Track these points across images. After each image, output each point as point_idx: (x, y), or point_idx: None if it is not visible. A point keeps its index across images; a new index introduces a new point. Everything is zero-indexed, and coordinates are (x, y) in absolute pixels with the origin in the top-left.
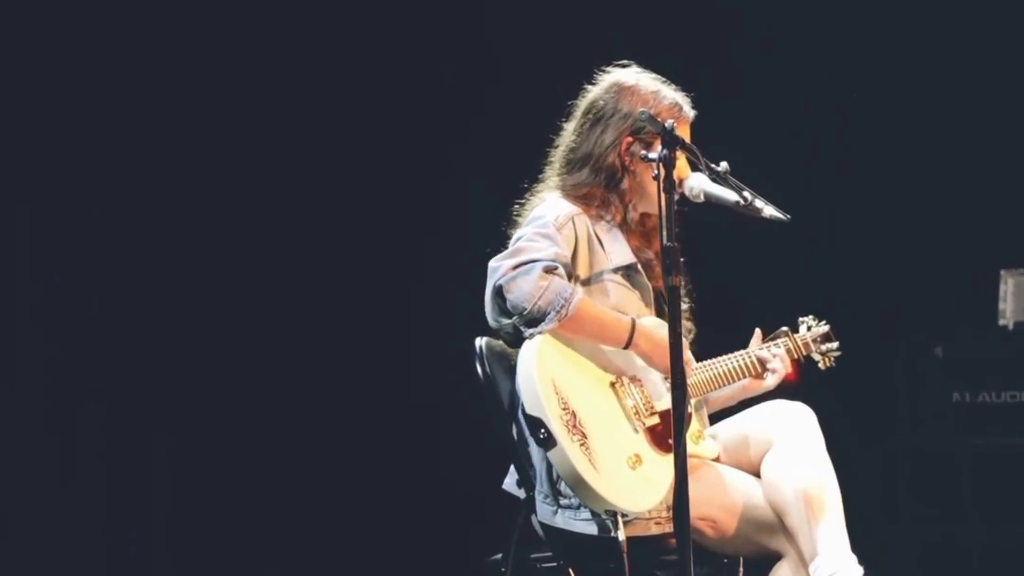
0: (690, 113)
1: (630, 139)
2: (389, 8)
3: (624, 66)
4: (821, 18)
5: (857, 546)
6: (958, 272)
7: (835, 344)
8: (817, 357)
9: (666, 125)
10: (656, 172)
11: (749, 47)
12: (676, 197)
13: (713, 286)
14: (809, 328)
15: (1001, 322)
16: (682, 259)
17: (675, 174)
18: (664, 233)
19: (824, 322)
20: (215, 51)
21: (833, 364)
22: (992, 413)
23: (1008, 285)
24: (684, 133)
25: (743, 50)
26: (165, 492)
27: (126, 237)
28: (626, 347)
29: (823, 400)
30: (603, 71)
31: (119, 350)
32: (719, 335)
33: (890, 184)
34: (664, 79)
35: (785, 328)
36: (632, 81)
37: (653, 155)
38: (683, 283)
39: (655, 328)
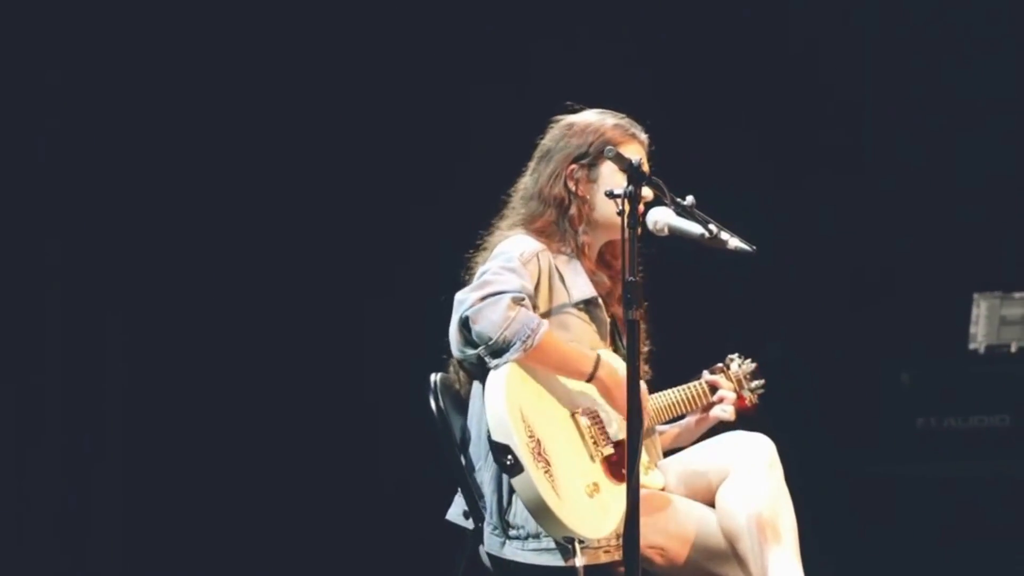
0: (641, 135)
1: (573, 165)
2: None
3: (575, 110)
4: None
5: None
6: (929, 297)
7: (762, 381)
8: (746, 394)
9: (633, 161)
10: (620, 208)
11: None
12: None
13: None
14: (739, 365)
15: (972, 346)
16: (645, 300)
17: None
18: (626, 268)
19: (751, 359)
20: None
21: (757, 401)
22: (958, 438)
23: (981, 308)
24: (638, 152)
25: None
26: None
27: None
28: (588, 380)
29: (786, 425)
30: (555, 119)
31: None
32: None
33: (860, 207)
34: (609, 111)
35: (720, 365)
36: (574, 117)
37: (618, 191)
38: (643, 320)
39: (619, 367)
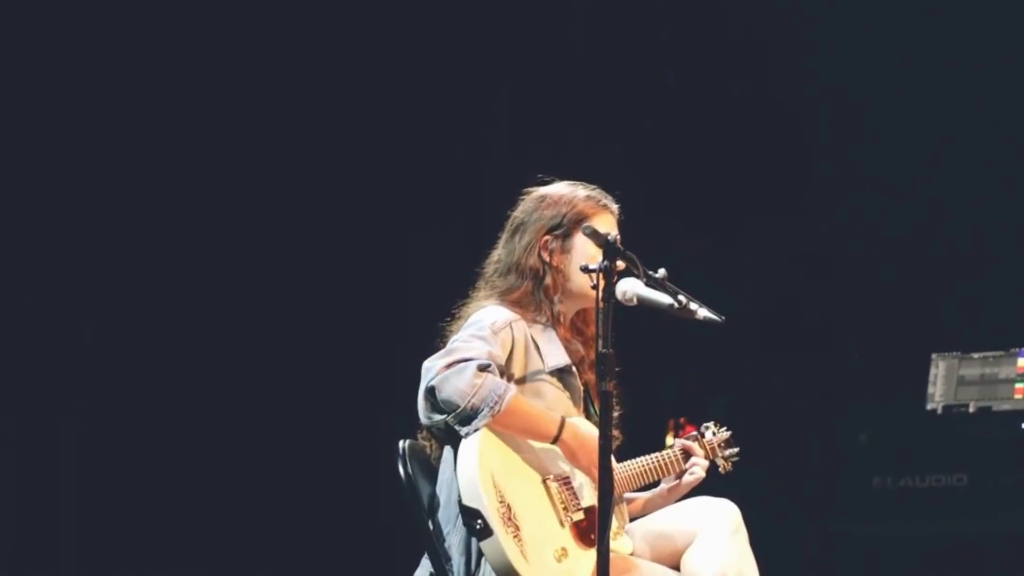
0: (612, 205)
1: (547, 237)
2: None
3: (546, 182)
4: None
5: None
6: (889, 356)
7: (736, 449)
8: (720, 462)
9: (609, 237)
10: (595, 282)
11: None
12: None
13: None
14: (714, 434)
15: (929, 406)
16: (616, 368)
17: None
18: (600, 340)
19: (726, 428)
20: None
21: (731, 468)
22: (915, 497)
23: (939, 368)
24: (609, 222)
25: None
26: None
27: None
28: (553, 442)
29: (746, 484)
30: (526, 192)
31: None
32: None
33: (818, 265)
34: (580, 182)
35: (694, 433)
36: (545, 190)
37: (593, 266)
38: (615, 389)
39: (583, 428)
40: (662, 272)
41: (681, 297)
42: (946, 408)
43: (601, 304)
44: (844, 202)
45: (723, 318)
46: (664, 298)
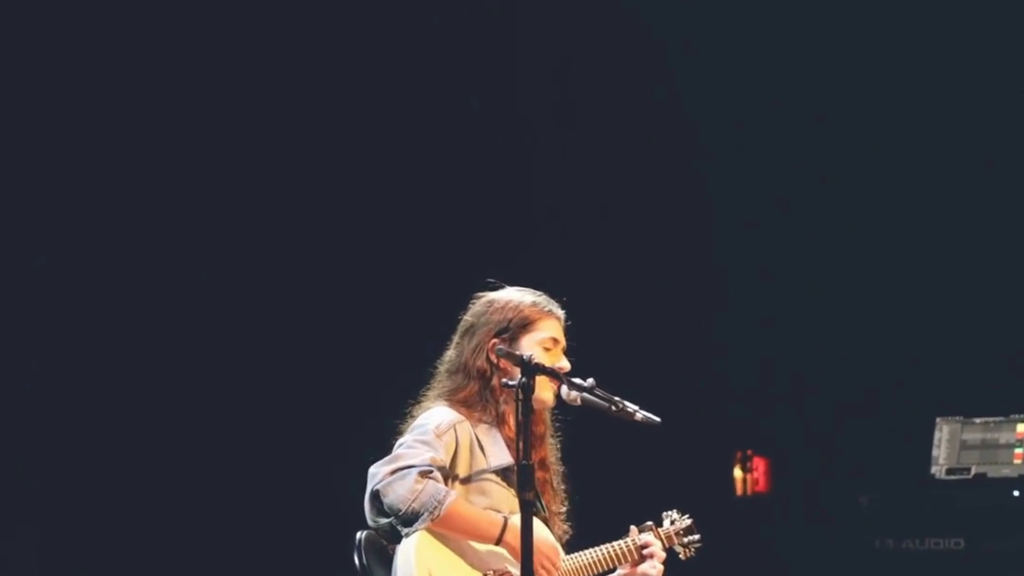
0: (557, 311)
1: (495, 340)
2: None
3: (496, 287)
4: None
5: None
6: (894, 420)
7: (697, 536)
8: (679, 549)
9: (524, 356)
10: (517, 396)
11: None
12: (552, 404)
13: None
14: (672, 522)
15: (933, 469)
16: (563, 469)
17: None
18: (520, 452)
19: (687, 516)
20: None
21: (693, 554)
22: (914, 560)
23: (943, 432)
24: (554, 327)
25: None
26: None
27: None
28: (497, 543)
29: (751, 542)
30: (477, 296)
31: None
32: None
33: (827, 332)
34: (528, 288)
35: (650, 523)
36: (494, 295)
37: (512, 382)
38: (561, 488)
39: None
40: (590, 381)
41: (618, 401)
42: (949, 471)
43: (520, 418)
44: (850, 265)
45: (659, 420)
46: (603, 402)
